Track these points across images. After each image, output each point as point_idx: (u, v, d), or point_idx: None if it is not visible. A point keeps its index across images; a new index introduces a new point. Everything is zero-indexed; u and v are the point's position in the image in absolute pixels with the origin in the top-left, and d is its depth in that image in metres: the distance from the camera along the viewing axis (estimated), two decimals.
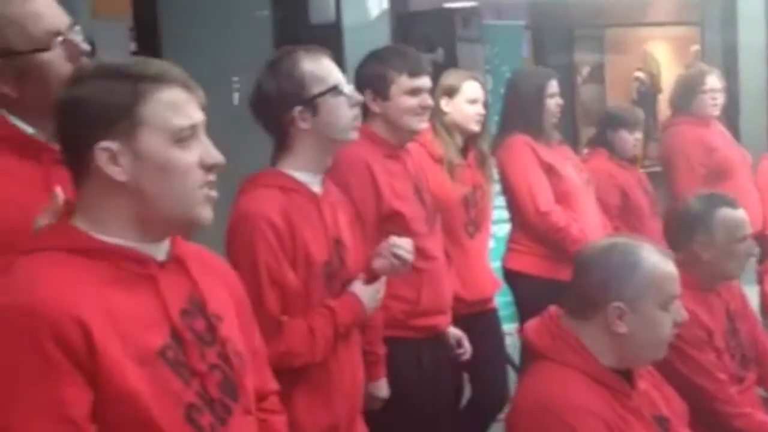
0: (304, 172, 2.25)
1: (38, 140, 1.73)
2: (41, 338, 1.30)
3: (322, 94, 2.22)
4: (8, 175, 1.70)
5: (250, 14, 4.55)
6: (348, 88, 2.28)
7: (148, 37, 4.44)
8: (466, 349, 3.01)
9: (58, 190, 1.54)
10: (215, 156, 1.45)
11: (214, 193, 1.47)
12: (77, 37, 1.75)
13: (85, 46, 1.76)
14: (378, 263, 2.38)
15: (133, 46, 4.47)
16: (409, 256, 2.40)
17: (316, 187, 2.27)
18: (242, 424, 1.51)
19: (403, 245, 2.40)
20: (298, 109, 2.21)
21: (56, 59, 1.72)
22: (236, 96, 4.58)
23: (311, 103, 2.22)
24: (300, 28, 4.26)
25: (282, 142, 2.27)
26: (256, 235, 2.12)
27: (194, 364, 1.43)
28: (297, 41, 4.20)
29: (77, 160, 1.43)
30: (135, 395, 1.35)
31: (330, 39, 4.16)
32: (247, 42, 4.50)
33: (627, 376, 2.07)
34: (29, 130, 1.74)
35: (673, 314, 2.06)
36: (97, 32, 3.51)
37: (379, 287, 2.37)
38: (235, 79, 4.62)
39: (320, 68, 2.25)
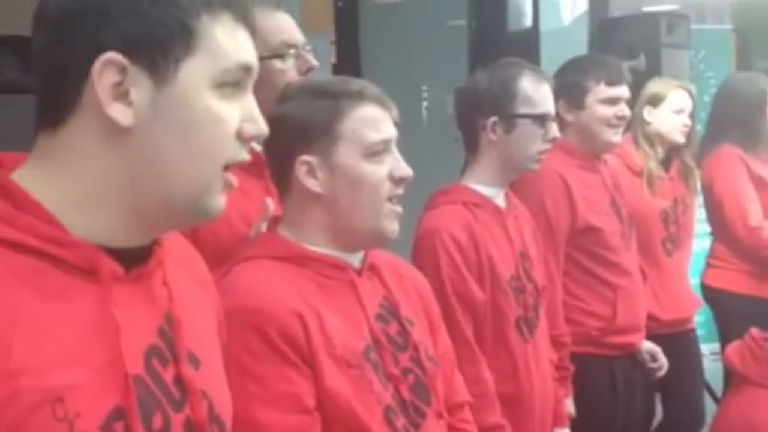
0: (488, 186, 2.25)
1: (262, 156, 1.84)
2: (269, 333, 1.39)
3: (524, 116, 2.21)
4: (240, 191, 1.80)
5: (446, 24, 4.59)
6: (552, 125, 2.25)
7: (348, 50, 4.58)
8: (662, 364, 2.90)
9: (269, 201, 1.64)
10: (404, 170, 1.52)
11: (399, 209, 1.53)
12: (308, 55, 1.87)
13: (315, 63, 1.88)
14: None
15: (333, 58, 4.63)
16: None
17: (500, 201, 2.26)
18: (434, 428, 1.54)
19: None
20: (494, 119, 2.21)
21: (289, 70, 1.84)
22: (424, 105, 4.64)
23: (509, 120, 2.21)
24: (496, 35, 4.25)
25: (472, 149, 2.28)
26: (439, 251, 2.13)
27: (388, 367, 1.49)
28: (493, 49, 4.25)
29: (281, 173, 1.54)
30: (342, 394, 1.41)
31: (526, 46, 4.13)
32: (442, 52, 4.55)
33: None
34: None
35: None
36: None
37: None
38: (424, 88, 4.68)
39: (537, 92, 2.23)
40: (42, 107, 0.94)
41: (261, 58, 1.80)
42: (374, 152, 1.49)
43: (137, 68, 0.90)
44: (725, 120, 3.60)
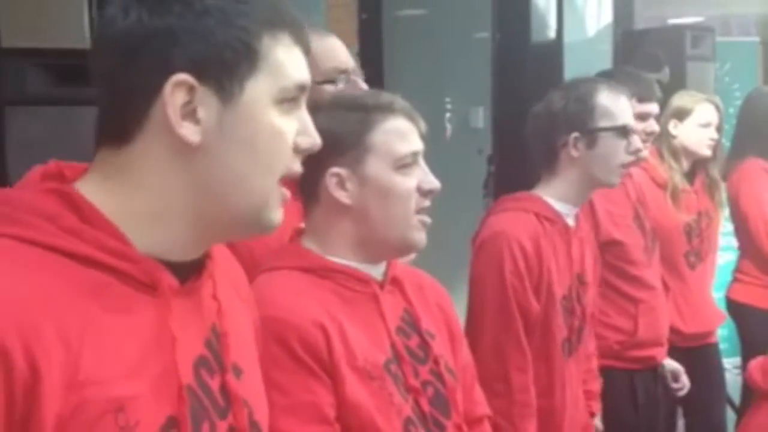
0: (562, 203, 2.23)
1: None
2: (291, 343, 1.40)
3: (606, 129, 2.19)
4: None
5: (470, 36, 4.60)
6: (635, 136, 2.22)
7: (371, 62, 4.60)
8: (684, 384, 2.89)
9: None
10: (433, 182, 1.53)
11: (427, 219, 1.54)
12: (359, 80, 1.90)
13: (365, 87, 1.90)
14: None
15: None
16: None
17: (571, 220, 2.25)
18: None
19: None
20: (575, 135, 2.19)
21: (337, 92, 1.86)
22: (447, 116, 4.65)
23: (591, 135, 2.19)
24: (520, 47, 4.25)
25: (549, 165, 2.25)
26: (504, 256, 2.12)
27: (408, 380, 1.50)
28: (517, 61, 4.25)
29: (309, 185, 1.53)
30: (363, 405, 1.42)
31: (550, 57, 4.13)
32: (466, 63, 4.56)
33: None
34: None
35: None
36: None
37: None
38: (447, 100, 4.69)
39: (615, 105, 2.21)
40: (106, 123, 0.97)
41: (313, 83, 1.87)
42: (403, 164, 1.51)
43: (205, 88, 0.94)
44: (747, 134, 3.60)
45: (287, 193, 1.01)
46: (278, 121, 0.98)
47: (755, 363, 2.01)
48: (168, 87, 0.92)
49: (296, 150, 1.01)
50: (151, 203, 0.96)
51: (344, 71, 1.87)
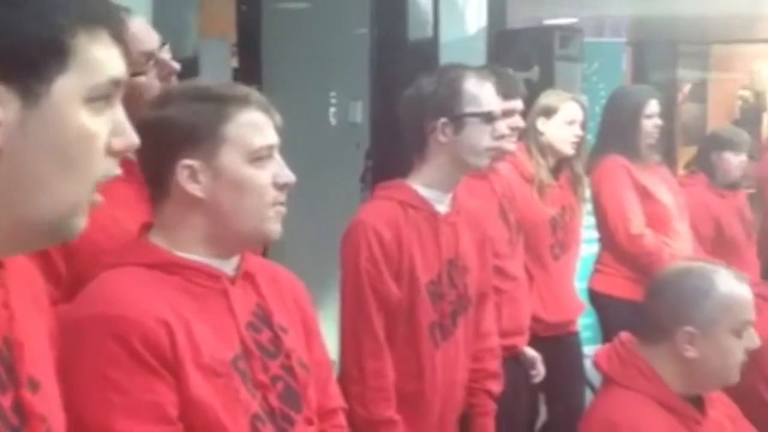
0: (431, 189, 2.27)
1: (133, 160, 1.82)
2: (131, 341, 1.35)
3: (472, 115, 2.23)
4: (106, 193, 1.78)
5: (349, 32, 4.65)
6: (499, 122, 2.27)
7: (249, 54, 4.58)
8: (539, 372, 3.02)
9: None
10: (288, 176, 1.51)
11: (283, 209, 1.53)
12: (167, 56, 1.81)
13: (175, 65, 1.82)
14: None
15: (234, 63, 4.62)
16: None
17: (442, 206, 2.28)
18: None
19: None
20: (443, 120, 2.22)
21: (150, 81, 1.78)
22: (332, 111, 4.69)
23: (458, 120, 2.23)
24: (397, 44, 4.33)
25: (419, 151, 2.28)
26: (361, 243, 2.17)
27: (257, 375, 1.48)
28: (394, 58, 4.33)
29: (158, 178, 1.50)
30: (208, 403, 1.40)
31: (426, 56, 4.22)
32: (345, 59, 4.60)
33: (698, 403, 2.04)
34: None
35: (746, 341, 2.01)
36: (203, 50, 3.67)
37: None
38: (333, 94, 4.73)
39: (481, 91, 2.26)
40: None
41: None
42: (258, 157, 1.48)
43: (6, 88, 0.85)
44: (608, 132, 3.76)
45: (99, 199, 0.95)
46: (89, 123, 0.89)
47: (601, 350, 2.12)
48: None
49: (110, 152, 0.93)
50: None
51: (151, 54, 1.78)
